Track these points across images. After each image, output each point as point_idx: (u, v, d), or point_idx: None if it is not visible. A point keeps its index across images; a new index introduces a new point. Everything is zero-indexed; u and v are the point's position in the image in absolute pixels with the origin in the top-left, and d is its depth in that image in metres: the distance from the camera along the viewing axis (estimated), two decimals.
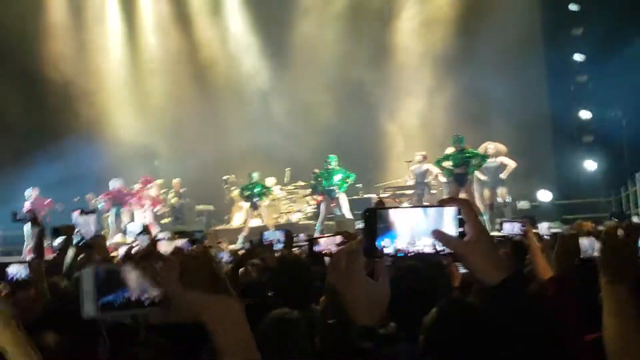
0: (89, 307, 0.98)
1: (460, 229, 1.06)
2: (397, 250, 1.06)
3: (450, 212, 1.07)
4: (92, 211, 3.91)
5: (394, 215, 1.07)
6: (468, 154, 10.02)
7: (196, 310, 1.03)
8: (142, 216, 11.79)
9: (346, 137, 13.28)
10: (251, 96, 15.34)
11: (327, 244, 3.24)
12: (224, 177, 13.94)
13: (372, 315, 1.24)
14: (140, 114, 15.08)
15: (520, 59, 11.97)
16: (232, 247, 8.33)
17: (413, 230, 1.07)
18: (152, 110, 15.11)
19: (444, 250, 1.06)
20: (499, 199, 10.65)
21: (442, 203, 1.09)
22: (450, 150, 10.26)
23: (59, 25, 14.90)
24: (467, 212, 1.07)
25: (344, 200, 10.96)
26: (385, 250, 1.06)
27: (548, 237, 5.70)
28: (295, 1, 14.99)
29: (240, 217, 12.94)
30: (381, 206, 4.67)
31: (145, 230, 5.85)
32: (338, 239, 3.25)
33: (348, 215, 10.83)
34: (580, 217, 9.28)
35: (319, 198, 11.55)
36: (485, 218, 10.04)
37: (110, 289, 0.99)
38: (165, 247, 3.25)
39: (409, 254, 1.07)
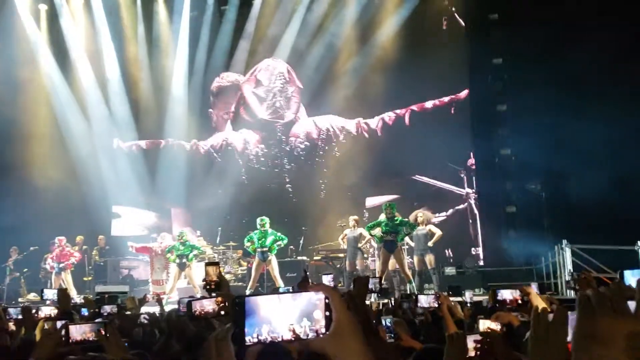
0: None
1: (327, 313, 1.07)
2: (262, 338, 1.07)
3: (321, 296, 1.08)
4: None
5: (263, 303, 1.08)
6: (398, 222, 10.21)
7: None
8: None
9: (281, 199, 13.29)
10: (179, 153, 15.18)
11: (204, 305, 3.11)
12: (153, 235, 13.52)
13: None
14: (70, 163, 14.53)
15: (450, 124, 12.50)
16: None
17: (281, 317, 1.07)
18: (85, 161, 14.62)
19: (306, 336, 1.06)
20: (428, 266, 10.84)
21: (309, 289, 1.09)
22: (382, 217, 10.45)
23: None
24: (333, 300, 1.07)
25: (274, 263, 10.85)
26: (252, 338, 1.07)
27: (469, 304, 5.84)
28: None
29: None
30: (305, 277, 4.60)
31: (62, 298, 5.28)
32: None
33: (278, 278, 10.70)
34: (504, 285, 9.60)
35: (251, 260, 11.36)
36: (413, 285, 10.18)
37: None
38: (77, 332, 2.97)
39: (271, 342, 1.07)
